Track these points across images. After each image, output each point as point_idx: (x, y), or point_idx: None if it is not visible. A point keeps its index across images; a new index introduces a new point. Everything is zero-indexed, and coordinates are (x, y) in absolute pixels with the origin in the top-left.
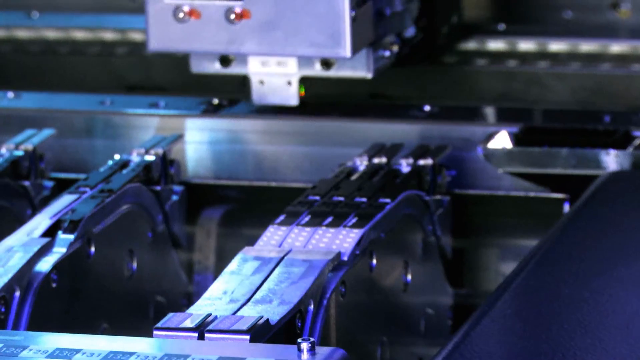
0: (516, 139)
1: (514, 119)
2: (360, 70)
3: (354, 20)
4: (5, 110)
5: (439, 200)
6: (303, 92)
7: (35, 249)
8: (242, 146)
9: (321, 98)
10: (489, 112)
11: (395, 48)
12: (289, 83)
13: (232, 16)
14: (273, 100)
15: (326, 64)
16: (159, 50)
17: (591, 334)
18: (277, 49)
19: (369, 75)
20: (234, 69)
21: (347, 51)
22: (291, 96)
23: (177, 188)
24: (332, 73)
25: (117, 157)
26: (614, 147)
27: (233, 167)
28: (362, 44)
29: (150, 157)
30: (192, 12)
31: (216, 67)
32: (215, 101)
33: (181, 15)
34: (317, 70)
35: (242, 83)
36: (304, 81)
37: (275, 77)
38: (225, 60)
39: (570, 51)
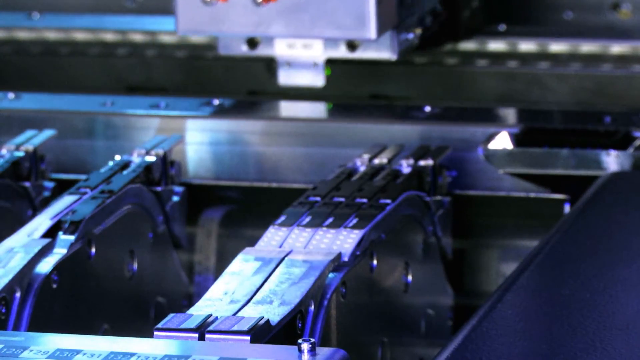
0: (517, 139)
1: (514, 120)
2: (385, 51)
3: (379, 2)
4: (6, 111)
5: (439, 201)
6: (329, 73)
7: (36, 249)
8: (242, 147)
9: (321, 98)
10: (490, 112)
11: (419, 31)
12: (315, 65)
13: None
14: (300, 81)
15: (351, 46)
16: (188, 32)
17: (591, 335)
18: (303, 31)
19: (393, 57)
20: (261, 51)
21: (372, 33)
22: (317, 78)
23: (178, 189)
24: (358, 55)
25: (117, 158)
26: (614, 148)
27: (234, 167)
28: (387, 26)
29: (150, 158)
30: None
31: (243, 50)
32: (216, 102)
33: None
34: (342, 52)
35: (269, 65)
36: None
37: (302, 59)
38: (252, 43)
39: (570, 52)
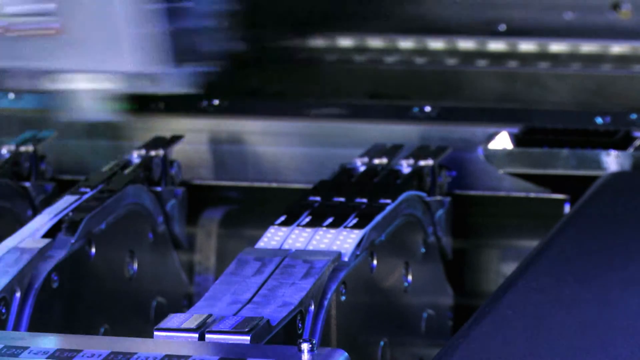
0: (517, 139)
1: (514, 120)
2: (178, 86)
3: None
4: (6, 111)
5: (439, 201)
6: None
7: (36, 250)
8: (242, 147)
9: (321, 99)
10: (490, 112)
11: (218, 62)
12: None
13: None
14: (88, 115)
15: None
16: None
17: (592, 335)
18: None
19: (188, 90)
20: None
21: (131, 65)
22: (105, 111)
23: (178, 189)
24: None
25: (117, 158)
26: (614, 148)
27: (234, 168)
28: (162, 60)
29: (150, 158)
30: None
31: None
32: (216, 102)
33: None
34: (139, 87)
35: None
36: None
37: (86, 93)
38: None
39: (570, 52)
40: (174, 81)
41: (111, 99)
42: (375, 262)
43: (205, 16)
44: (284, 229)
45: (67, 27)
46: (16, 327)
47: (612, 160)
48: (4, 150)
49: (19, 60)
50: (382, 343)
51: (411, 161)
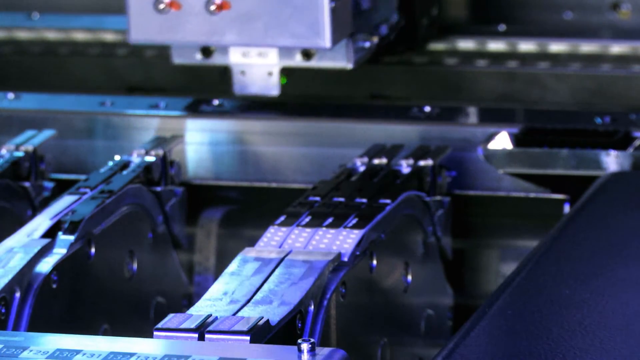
0: (516, 139)
1: (514, 120)
2: (340, 60)
3: (333, 11)
4: (6, 111)
5: (439, 201)
6: (284, 82)
7: (36, 250)
8: (242, 147)
9: (321, 99)
10: (489, 112)
11: (375, 39)
12: (270, 74)
13: (213, 7)
14: (254, 90)
15: (307, 54)
16: (140, 41)
17: (591, 335)
18: (257, 40)
19: (349, 66)
20: (215, 60)
21: (326, 41)
22: (272, 87)
23: (178, 189)
24: (313, 64)
25: (117, 158)
26: (614, 148)
27: (233, 168)
28: (342, 35)
29: (150, 158)
30: (172, 4)
31: (197, 58)
32: (216, 102)
33: (162, 6)
34: (297, 61)
35: (223, 73)
36: (286, 72)
37: (256, 68)
38: (206, 51)
39: (570, 52)
40: (340, 56)
41: (281, 75)
42: (375, 262)
43: None
44: (284, 229)
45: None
46: (16, 327)
47: (612, 160)
48: (4, 150)
49: (208, 36)
50: (381, 343)
51: (411, 161)
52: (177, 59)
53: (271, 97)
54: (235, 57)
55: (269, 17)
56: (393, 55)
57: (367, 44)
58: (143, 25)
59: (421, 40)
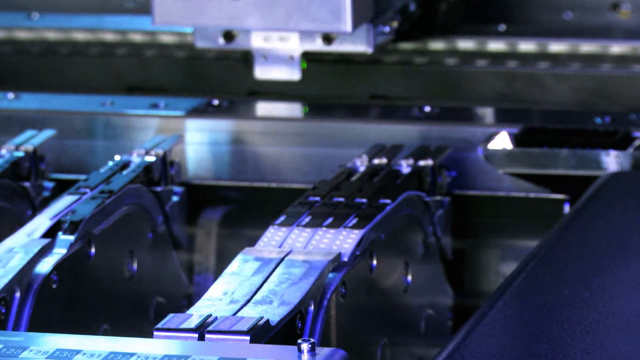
0: (516, 139)
1: (514, 120)
2: (361, 45)
3: None
4: (6, 111)
5: (439, 201)
6: (305, 66)
7: (36, 250)
8: (242, 147)
9: (321, 98)
10: (489, 112)
11: (395, 24)
12: (291, 58)
13: None
14: (276, 75)
15: (327, 39)
16: (165, 24)
17: (591, 335)
18: (279, 23)
19: (369, 50)
20: (237, 44)
21: (348, 26)
22: (294, 71)
23: (178, 189)
24: (334, 48)
25: (117, 158)
26: (614, 148)
27: (233, 168)
28: (362, 20)
29: (150, 158)
30: None
31: (220, 42)
32: (216, 102)
33: None
34: (318, 45)
35: (245, 58)
36: (306, 56)
37: (278, 53)
38: (228, 36)
39: (570, 52)
40: (360, 40)
41: (301, 59)
42: (375, 262)
43: None
44: (284, 229)
45: None
46: (16, 327)
47: (612, 160)
48: (4, 150)
49: (231, 19)
50: (381, 343)
51: (411, 161)
52: (200, 43)
53: (292, 81)
54: (257, 42)
55: (290, 2)
56: (411, 40)
57: (387, 29)
58: (167, 9)
59: (439, 26)
